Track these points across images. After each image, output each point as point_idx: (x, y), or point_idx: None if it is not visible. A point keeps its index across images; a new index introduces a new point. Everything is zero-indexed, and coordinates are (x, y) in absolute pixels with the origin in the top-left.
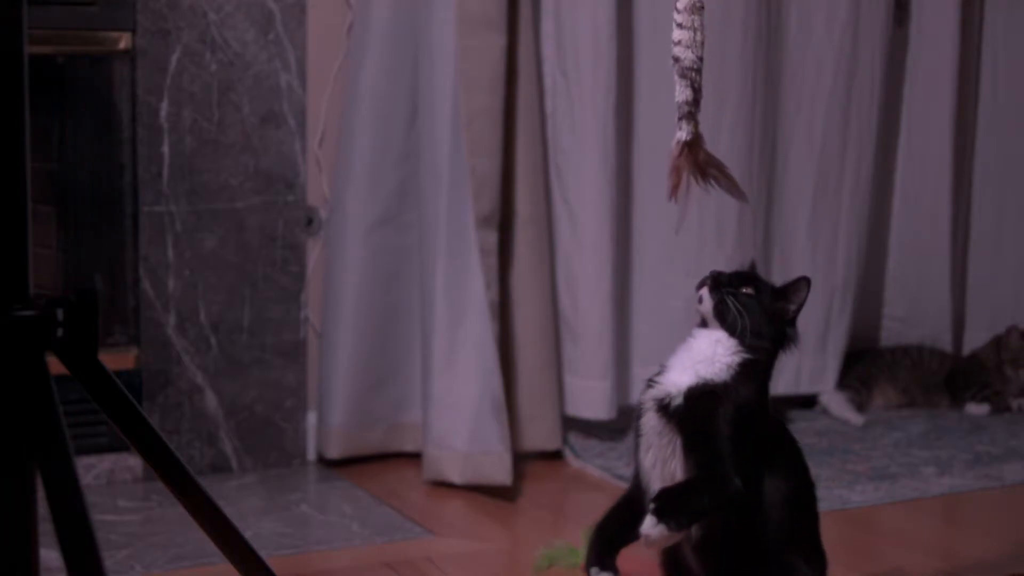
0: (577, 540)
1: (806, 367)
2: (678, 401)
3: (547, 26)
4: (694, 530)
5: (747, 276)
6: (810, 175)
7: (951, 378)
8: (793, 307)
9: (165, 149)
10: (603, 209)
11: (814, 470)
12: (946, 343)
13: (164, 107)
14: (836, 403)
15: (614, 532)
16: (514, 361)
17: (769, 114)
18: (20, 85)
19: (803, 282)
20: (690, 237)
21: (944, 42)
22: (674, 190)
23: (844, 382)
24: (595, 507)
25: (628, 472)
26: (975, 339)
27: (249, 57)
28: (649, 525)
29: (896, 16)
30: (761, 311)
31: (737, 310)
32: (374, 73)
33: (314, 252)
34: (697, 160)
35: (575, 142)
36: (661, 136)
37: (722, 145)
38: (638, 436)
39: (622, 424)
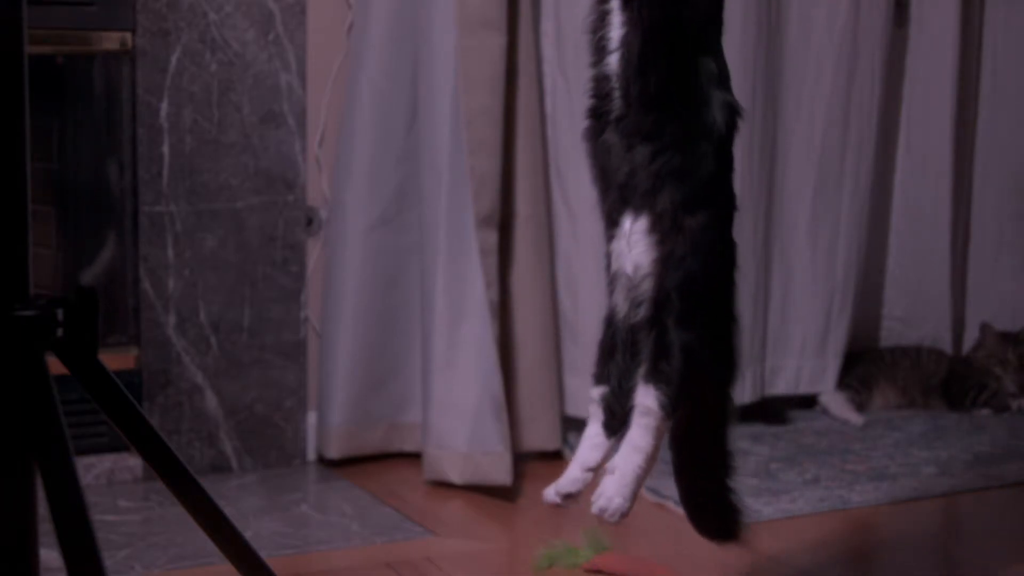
0: (577, 540)
1: (806, 367)
2: None
3: (547, 26)
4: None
5: None
6: (810, 175)
7: (947, 384)
8: None
9: (165, 149)
10: None
11: (814, 470)
12: (946, 343)
13: (164, 107)
14: (836, 403)
15: None
16: (514, 361)
17: (769, 114)
18: (20, 85)
19: None
20: None
21: (944, 42)
22: None
23: (844, 382)
24: None
25: None
26: (975, 339)
27: (249, 57)
28: None
29: (896, 16)
30: None
31: None
32: (374, 73)
33: (314, 252)
34: None
35: (575, 142)
36: None
37: None
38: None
39: None
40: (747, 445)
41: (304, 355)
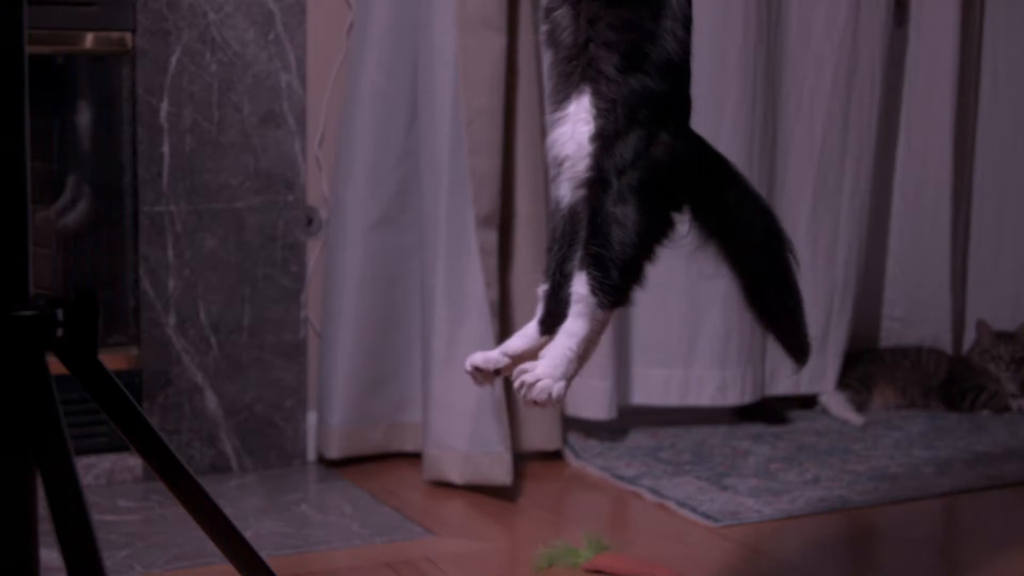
0: (577, 540)
1: (806, 367)
2: None
3: (547, 26)
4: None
5: None
6: (810, 175)
7: (946, 386)
8: None
9: (165, 149)
10: None
11: (814, 470)
12: (946, 343)
13: (164, 107)
14: (836, 403)
15: None
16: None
17: (769, 114)
18: (20, 85)
19: None
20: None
21: (944, 42)
22: None
23: (844, 382)
24: (595, 507)
25: (628, 473)
26: (974, 339)
27: (249, 57)
28: None
29: (896, 16)
30: None
31: None
32: (374, 73)
33: (314, 252)
34: None
35: None
36: None
37: (722, 146)
38: None
39: (622, 424)
40: (747, 445)
41: (304, 355)
